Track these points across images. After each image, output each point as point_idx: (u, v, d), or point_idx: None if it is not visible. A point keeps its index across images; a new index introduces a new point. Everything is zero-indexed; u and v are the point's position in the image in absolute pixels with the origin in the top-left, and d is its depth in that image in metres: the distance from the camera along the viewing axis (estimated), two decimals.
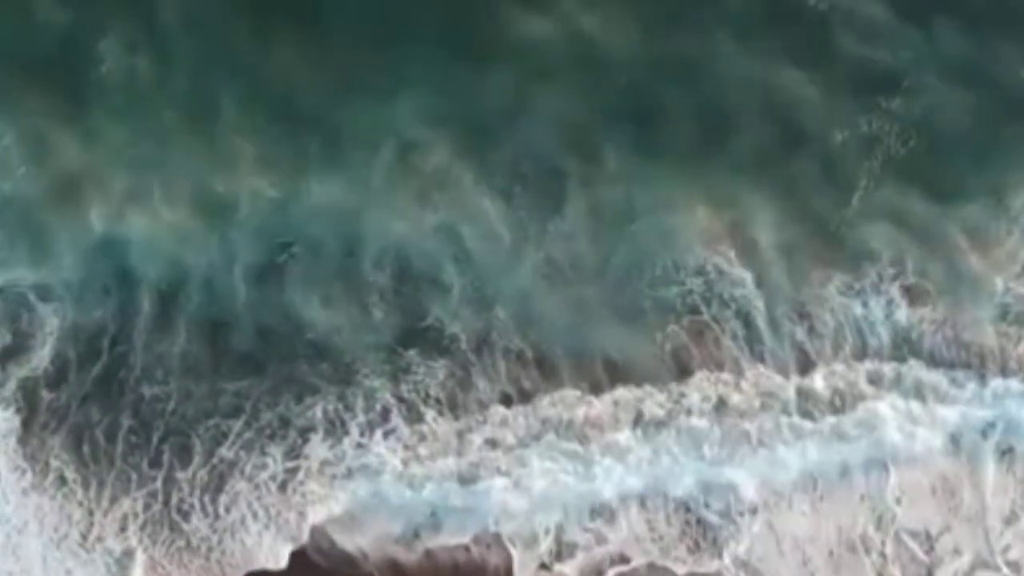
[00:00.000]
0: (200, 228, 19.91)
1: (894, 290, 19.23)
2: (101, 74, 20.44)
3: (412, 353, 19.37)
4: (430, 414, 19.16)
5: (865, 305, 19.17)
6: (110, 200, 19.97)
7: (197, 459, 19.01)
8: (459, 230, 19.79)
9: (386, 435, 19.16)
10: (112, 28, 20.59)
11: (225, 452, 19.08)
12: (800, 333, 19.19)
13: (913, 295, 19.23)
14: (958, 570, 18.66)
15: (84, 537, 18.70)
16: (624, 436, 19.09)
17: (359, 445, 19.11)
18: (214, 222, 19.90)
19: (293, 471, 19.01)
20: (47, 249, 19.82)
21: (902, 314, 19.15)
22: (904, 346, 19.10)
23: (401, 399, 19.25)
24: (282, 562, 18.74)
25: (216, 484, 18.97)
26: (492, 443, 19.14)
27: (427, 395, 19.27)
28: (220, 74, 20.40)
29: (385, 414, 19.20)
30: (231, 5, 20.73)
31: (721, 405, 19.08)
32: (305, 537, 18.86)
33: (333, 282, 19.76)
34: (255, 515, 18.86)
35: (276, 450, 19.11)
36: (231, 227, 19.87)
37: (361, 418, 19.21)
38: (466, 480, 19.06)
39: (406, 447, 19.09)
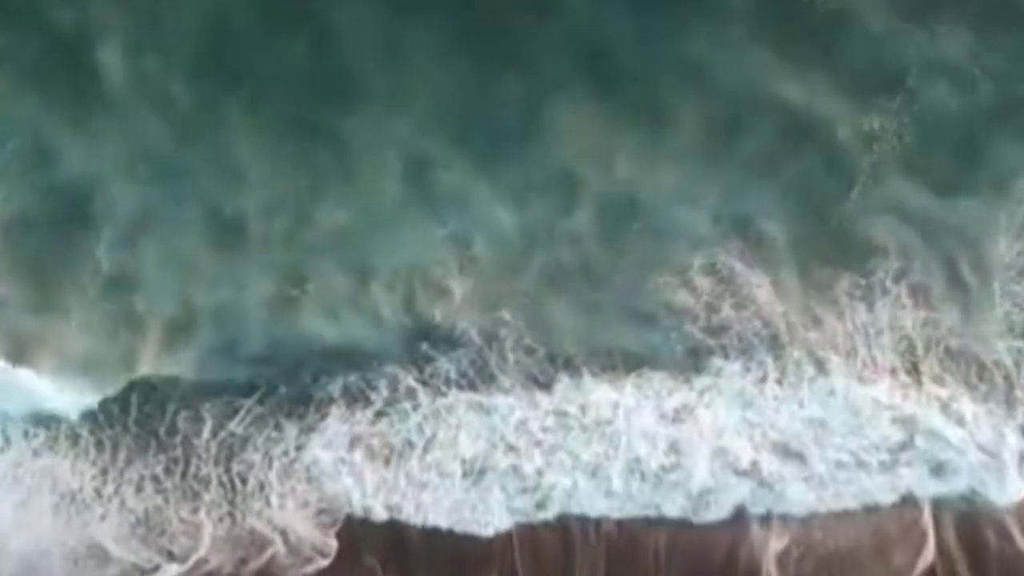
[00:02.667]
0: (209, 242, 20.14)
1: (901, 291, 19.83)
2: (104, 78, 20.58)
3: (426, 346, 19.66)
4: (452, 394, 19.47)
5: (871, 308, 19.73)
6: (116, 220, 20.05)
7: (208, 432, 19.18)
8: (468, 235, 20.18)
9: (414, 408, 19.44)
10: (115, 31, 20.76)
11: (235, 427, 19.28)
12: (812, 335, 19.69)
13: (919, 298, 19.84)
14: None
15: (99, 493, 18.72)
16: (646, 422, 19.44)
17: (379, 414, 19.37)
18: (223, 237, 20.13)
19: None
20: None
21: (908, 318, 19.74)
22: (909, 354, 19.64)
23: (424, 383, 19.51)
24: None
25: (228, 455, 19.13)
26: (513, 427, 19.42)
27: (448, 379, 19.54)
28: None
29: (410, 393, 19.49)
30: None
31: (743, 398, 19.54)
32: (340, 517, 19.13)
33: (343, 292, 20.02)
34: (272, 490, 19.05)
35: (294, 427, 19.35)
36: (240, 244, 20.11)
37: (386, 394, 19.51)
38: (480, 471, 19.31)
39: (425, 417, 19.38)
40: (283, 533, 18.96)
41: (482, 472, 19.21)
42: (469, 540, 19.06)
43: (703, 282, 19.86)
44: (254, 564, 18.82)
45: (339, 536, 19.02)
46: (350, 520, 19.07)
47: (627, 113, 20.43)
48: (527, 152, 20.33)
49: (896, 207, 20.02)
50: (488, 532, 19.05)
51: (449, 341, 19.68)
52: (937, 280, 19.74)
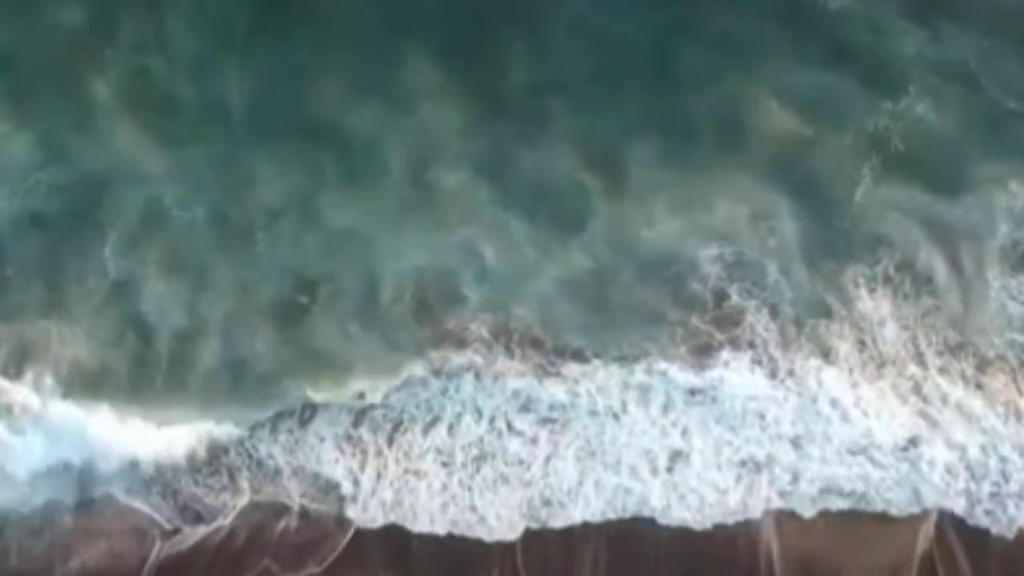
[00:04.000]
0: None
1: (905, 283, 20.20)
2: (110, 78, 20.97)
3: (437, 354, 19.80)
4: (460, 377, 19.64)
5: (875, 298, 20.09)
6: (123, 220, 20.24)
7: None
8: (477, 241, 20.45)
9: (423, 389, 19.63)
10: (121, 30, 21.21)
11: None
12: (820, 324, 19.99)
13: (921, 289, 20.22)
14: None
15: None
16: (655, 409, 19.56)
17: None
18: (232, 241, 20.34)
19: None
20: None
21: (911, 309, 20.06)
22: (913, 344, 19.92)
23: (437, 372, 19.70)
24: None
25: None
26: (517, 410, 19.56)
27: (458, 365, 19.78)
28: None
29: (424, 382, 19.65)
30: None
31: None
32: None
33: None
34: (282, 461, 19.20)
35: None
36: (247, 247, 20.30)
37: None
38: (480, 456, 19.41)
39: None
40: (299, 504, 19.07)
41: (482, 457, 19.31)
42: (471, 539, 19.00)
43: (712, 275, 20.18)
44: (269, 531, 18.88)
45: (340, 536, 19.01)
46: (351, 520, 19.02)
47: (635, 115, 21.04)
48: (535, 155, 20.81)
49: (899, 204, 20.54)
50: (492, 537, 19.07)
51: (460, 339, 19.88)
52: (938, 273, 20.15)
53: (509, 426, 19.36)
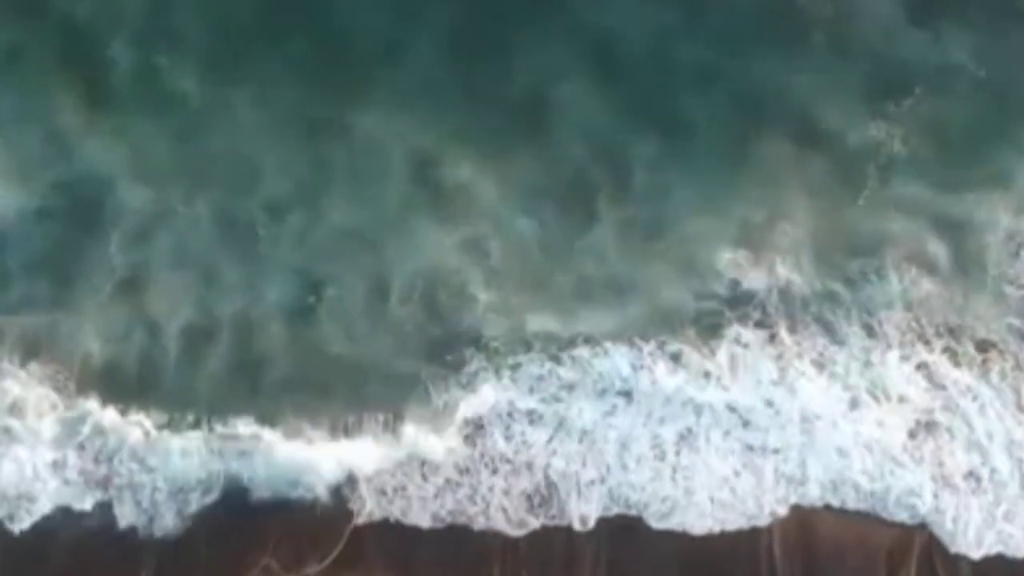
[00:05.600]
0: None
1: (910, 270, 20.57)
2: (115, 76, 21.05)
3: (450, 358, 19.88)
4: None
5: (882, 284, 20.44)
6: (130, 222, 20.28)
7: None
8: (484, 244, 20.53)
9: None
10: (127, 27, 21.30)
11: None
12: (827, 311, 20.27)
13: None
14: None
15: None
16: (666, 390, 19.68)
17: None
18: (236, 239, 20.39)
19: None
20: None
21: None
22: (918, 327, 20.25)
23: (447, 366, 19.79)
24: None
25: None
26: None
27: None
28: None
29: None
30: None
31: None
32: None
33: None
34: None
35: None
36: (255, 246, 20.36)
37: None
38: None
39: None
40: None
41: (480, 428, 19.37)
42: (472, 535, 18.95)
43: (720, 267, 20.41)
44: (270, 528, 18.89)
45: (339, 534, 18.95)
46: (352, 516, 18.99)
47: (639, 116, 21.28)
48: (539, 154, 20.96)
49: (903, 201, 20.89)
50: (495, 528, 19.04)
51: (472, 338, 19.96)
52: (941, 261, 20.55)
53: (511, 405, 19.44)
